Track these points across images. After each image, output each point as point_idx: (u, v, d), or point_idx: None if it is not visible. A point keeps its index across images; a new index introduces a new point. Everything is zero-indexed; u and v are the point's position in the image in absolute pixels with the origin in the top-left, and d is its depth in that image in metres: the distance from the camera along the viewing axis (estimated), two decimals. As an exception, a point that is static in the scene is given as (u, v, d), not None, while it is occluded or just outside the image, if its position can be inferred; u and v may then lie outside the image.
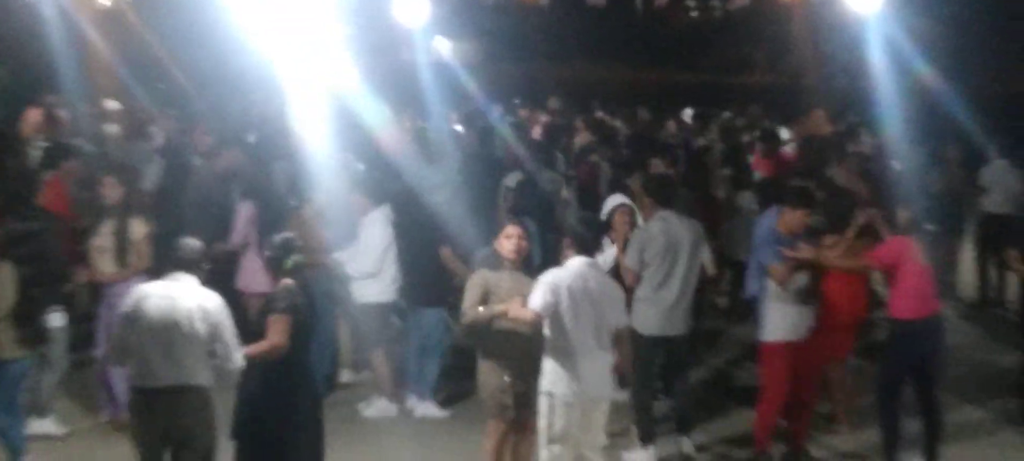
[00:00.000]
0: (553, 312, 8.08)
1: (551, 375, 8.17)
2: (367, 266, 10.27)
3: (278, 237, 8.41)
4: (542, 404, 8.24)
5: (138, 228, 9.98)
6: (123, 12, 23.04)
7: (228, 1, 17.80)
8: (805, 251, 9.38)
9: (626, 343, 8.60)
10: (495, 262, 8.69)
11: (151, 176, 13.20)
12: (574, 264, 8.29)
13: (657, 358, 10.01)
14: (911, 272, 9.05)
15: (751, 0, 58.44)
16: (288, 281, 8.08)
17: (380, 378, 10.69)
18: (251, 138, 15.22)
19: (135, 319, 7.73)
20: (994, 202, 14.29)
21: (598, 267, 8.66)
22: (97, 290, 10.37)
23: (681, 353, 10.06)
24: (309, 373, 8.34)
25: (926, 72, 24.78)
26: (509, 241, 8.60)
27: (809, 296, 9.49)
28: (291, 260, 8.17)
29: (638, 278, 9.75)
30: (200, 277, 7.98)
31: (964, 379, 11.79)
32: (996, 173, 14.36)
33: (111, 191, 10.18)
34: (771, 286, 9.49)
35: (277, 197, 11.74)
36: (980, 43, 28.12)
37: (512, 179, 12.69)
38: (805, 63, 30.94)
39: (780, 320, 9.50)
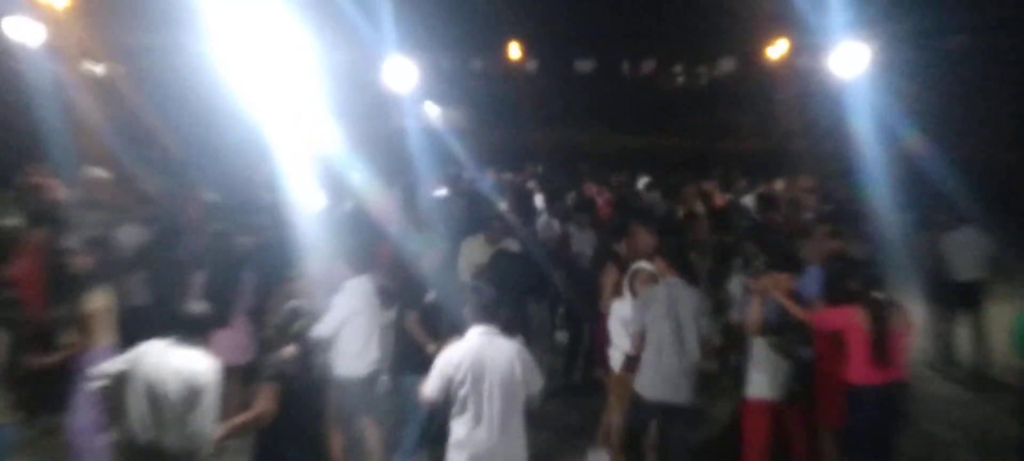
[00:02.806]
0: (449, 390, 7.87)
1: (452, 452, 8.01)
2: (323, 331, 10.01)
3: (289, 304, 8.43)
4: None
5: (93, 301, 9.70)
6: (114, 81, 23.18)
7: (218, 69, 17.90)
8: (762, 283, 9.48)
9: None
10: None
11: (139, 243, 13.18)
12: (472, 335, 8.07)
13: (649, 423, 9.92)
14: (859, 340, 9.11)
15: (737, 67, 59.03)
16: (290, 348, 8.10)
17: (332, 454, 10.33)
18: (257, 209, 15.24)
19: (126, 378, 7.70)
20: (964, 269, 14.15)
21: (499, 337, 8.09)
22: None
23: (681, 424, 9.77)
24: (307, 438, 8.22)
25: (912, 137, 24.99)
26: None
27: (791, 356, 9.51)
28: (296, 325, 8.18)
29: (642, 341, 9.71)
30: (202, 341, 7.95)
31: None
32: (964, 240, 14.25)
33: (81, 261, 10.08)
34: (755, 344, 9.55)
35: (272, 266, 11.80)
36: (964, 108, 28.36)
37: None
38: (792, 129, 31.16)
39: (760, 378, 9.54)
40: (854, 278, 9.23)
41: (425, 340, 10.06)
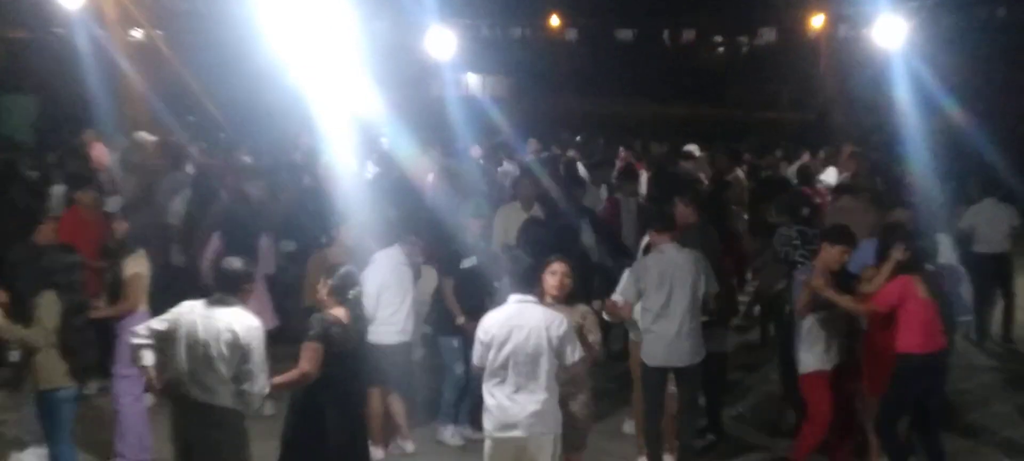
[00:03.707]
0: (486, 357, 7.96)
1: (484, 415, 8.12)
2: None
3: (342, 269, 8.53)
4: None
5: (132, 266, 9.72)
6: (156, 46, 23.39)
7: (259, 35, 17.98)
8: (817, 282, 9.47)
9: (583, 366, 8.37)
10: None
11: (180, 206, 13.33)
12: (509, 302, 8.11)
13: (663, 388, 9.98)
14: (915, 308, 9.10)
15: (777, 37, 58.76)
16: (338, 311, 8.19)
17: (371, 419, 10.47)
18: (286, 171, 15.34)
19: (170, 335, 7.79)
20: (990, 242, 14.06)
21: (533, 305, 8.12)
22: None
23: (691, 385, 9.82)
24: (348, 401, 8.26)
25: (952, 108, 24.84)
26: (553, 277, 8.57)
27: (841, 329, 9.54)
28: (352, 292, 8.29)
29: (630, 308, 9.80)
30: (244, 298, 7.99)
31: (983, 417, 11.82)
32: (986, 213, 14.15)
33: (118, 227, 10.24)
34: (805, 320, 9.60)
35: (304, 229, 11.90)
36: (1004, 79, 28.18)
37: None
38: (831, 99, 31.06)
39: (815, 352, 9.59)
40: (909, 249, 9.25)
41: (457, 309, 10.17)
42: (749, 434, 11.27)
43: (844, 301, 9.30)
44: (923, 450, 9.55)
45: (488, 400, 7.96)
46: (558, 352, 7.87)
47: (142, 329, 7.94)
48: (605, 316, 10.22)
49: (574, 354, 7.97)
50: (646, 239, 10.42)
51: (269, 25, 17.61)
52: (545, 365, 7.85)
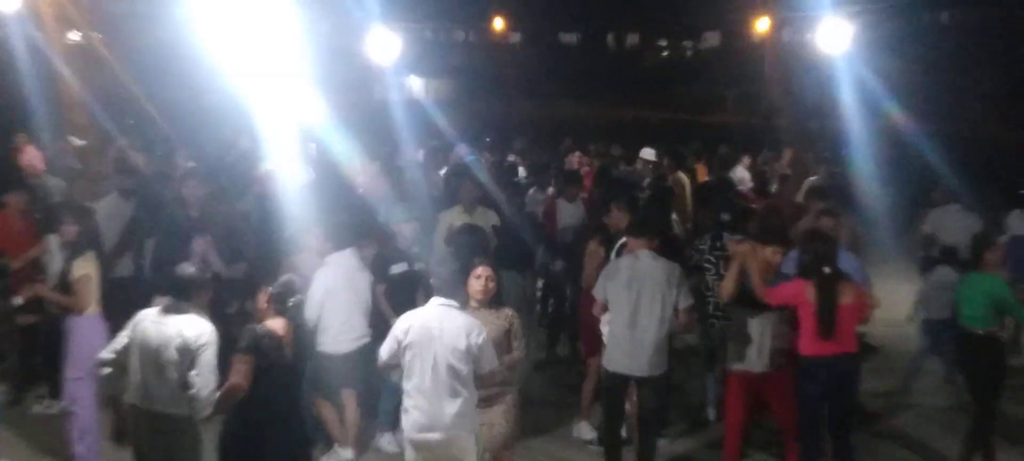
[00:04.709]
0: (397, 355, 7.98)
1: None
2: (308, 314, 9.97)
3: (283, 278, 8.41)
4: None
5: (81, 267, 9.61)
6: (94, 49, 23.00)
7: (199, 38, 17.76)
8: (741, 247, 9.53)
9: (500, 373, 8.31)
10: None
11: (124, 211, 13.10)
12: (429, 305, 8.11)
13: (622, 396, 9.86)
14: (804, 314, 9.14)
15: (722, 41, 59.14)
16: (276, 322, 8.05)
17: (327, 424, 10.39)
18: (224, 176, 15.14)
19: (130, 343, 7.76)
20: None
21: (455, 311, 8.09)
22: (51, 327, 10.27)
23: (652, 397, 9.61)
24: (284, 414, 8.07)
25: (895, 112, 25.03)
26: (478, 281, 8.51)
27: (771, 330, 9.52)
28: (292, 300, 8.17)
29: (604, 308, 9.71)
30: (198, 303, 7.92)
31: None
32: (950, 219, 14.16)
33: (66, 230, 10.11)
34: (736, 315, 9.58)
35: (239, 234, 11.71)
36: (947, 83, 28.45)
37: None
38: (776, 104, 31.16)
39: (741, 349, 9.55)
40: (807, 253, 9.24)
41: (390, 313, 9.98)
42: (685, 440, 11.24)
43: (755, 276, 9.30)
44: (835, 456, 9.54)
45: (407, 402, 7.93)
46: (475, 359, 7.86)
47: (107, 353, 7.92)
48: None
49: (491, 362, 7.97)
50: (623, 240, 10.34)
51: (210, 28, 17.36)
52: (463, 369, 7.84)
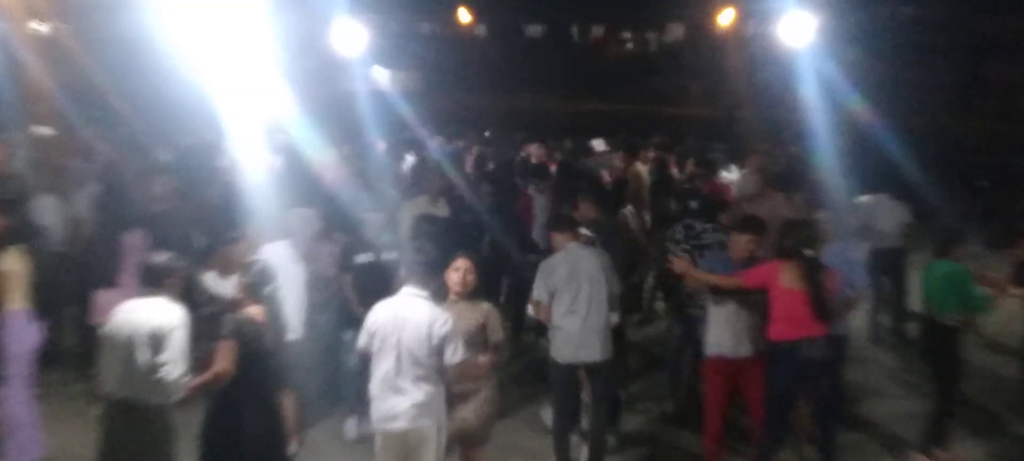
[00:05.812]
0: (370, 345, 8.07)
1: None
2: None
3: (257, 265, 8.50)
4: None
5: (6, 262, 9.34)
6: (60, 40, 22.89)
7: (166, 29, 17.72)
8: (680, 264, 9.66)
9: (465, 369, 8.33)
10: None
11: (87, 200, 13.06)
12: (400, 295, 8.19)
13: (573, 386, 9.96)
14: (780, 296, 9.22)
15: (685, 34, 59.26)
16: (253, 309, 8.13)
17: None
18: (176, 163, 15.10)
19: (104, 334, 7.87)
20: (884, 237, 14.13)
21: (422, 300, 8.13)
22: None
23: (603, 381, 9.89)
24: (263, 399, 8.24)
25: (858, 104, 25.20)
26: (457, 274, 8.59)
27: (746, 315, 9.61)
28: (268, 288, 8.25)
29: (548, 310, 9.79)
30: (171, 291, 7.99)
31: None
32: (880, 208, 14.25)
33: None
34: (709, 304, 9.70)
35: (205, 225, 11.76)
36: (908, 75, 28.66)
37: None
38: (740, 95, 31.34)
39: (717, 334, 9.70)
40: (788, 237, 9.34)
41: (355, 301, 10.11)
42: (658, 429, 11.33)
43: (711, 279, 9.45)
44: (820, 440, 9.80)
45: (373, 390, 8.02)
46: (439, 350, 7.92)
47: None
48: (530, 311, 10.26)
49: (455, 355, 7.99)
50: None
51: (176, 19, 17.34)
52: (428, 360, 7.91)
